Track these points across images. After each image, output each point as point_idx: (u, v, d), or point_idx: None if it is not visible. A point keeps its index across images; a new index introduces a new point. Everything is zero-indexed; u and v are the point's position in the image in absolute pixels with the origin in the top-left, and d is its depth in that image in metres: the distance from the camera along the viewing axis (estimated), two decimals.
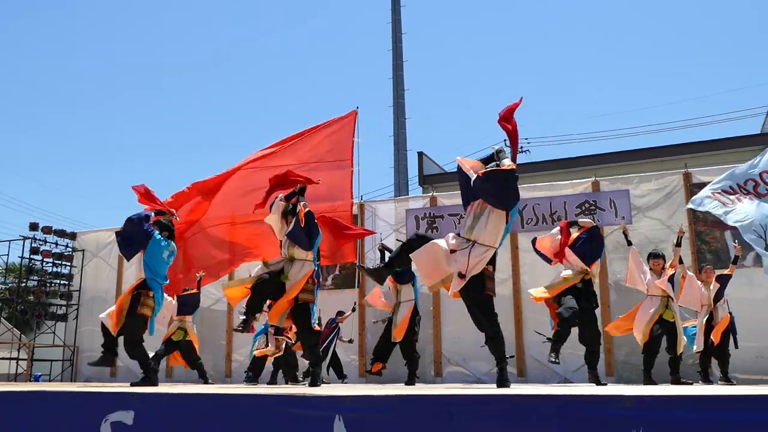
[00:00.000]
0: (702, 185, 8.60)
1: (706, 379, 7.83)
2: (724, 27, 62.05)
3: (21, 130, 59.59)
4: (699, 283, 8.00)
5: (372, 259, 10.23)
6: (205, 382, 9.28)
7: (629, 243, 8.03)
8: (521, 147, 26.90)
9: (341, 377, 10.00)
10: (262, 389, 4.46)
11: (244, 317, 5.93)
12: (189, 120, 67.41)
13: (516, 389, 4.35)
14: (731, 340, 7.88)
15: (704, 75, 58.99)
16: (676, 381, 7.58)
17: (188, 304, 9.39)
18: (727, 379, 7.75)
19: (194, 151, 67.79)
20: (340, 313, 9.90)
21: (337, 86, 68.11)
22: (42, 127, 60.88)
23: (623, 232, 8.15)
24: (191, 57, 67.07)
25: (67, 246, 13.37)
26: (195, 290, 9.55)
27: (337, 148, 8.35)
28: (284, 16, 68.06)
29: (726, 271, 7.98)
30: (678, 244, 7.84)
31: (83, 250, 13.00)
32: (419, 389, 4.53)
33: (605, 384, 6.95)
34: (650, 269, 7.86)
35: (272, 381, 9.43)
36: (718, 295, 7.89)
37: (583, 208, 9.71)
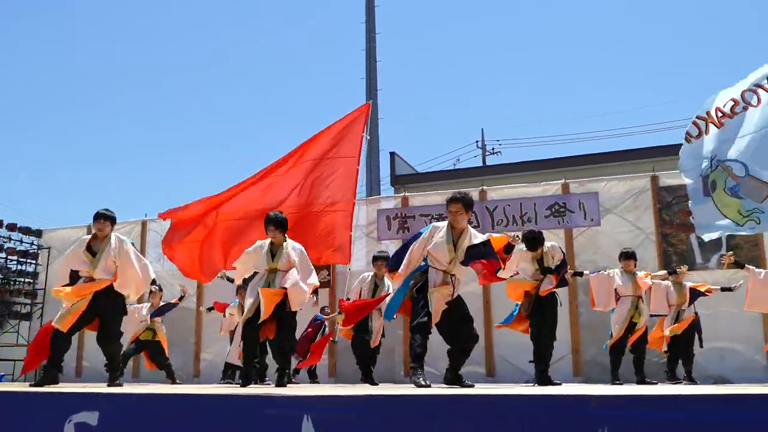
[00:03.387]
0: (668, 188, 8.75)
1: (674, 379, 7.96)
2: (724, 27, 62.67)
3: (21, 130, 58.28)
4: (664, 284, 8.12)
5: (357, 259, 10.16)
6: (173, 382, 9.17)
7: (580, 274, 8.10)
8: (492, 148, 27.19)
9: (312, 378, 9.95)
10: (229, 389, 4.42)
11: (246, 372, 6.17)
12: (189, 120, 66.43)
13: (481, 389, 4.38)
14: (696, 340, 8.04)
15: (704, 75, 59.55)
16: (641, 381, 7.69)
17: (162, 312, 9.23)
18: (690, 379, 7.89)
19: (194, 151, 66.88)
20: (324, 309, 9.80)
21: (338, 86, 67.69)
22: (42, 127, 59.58)
23: (570, 270, 7.76)
24: (191, 57, 66.10)
25: (32, 244, 13.14)
26: (176, 301, 9.35)
27: (346, 143, 8.27)
28: (284, 16, 67.42)
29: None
30: (672, 272, 8.19)
31: (49, 248, 12.79)
32: (388, 389, 4.54)
33: (560, 383, 6.76)
34: (621, 269, 7.91)
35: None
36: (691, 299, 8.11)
37: (553, 210, 9.80)
